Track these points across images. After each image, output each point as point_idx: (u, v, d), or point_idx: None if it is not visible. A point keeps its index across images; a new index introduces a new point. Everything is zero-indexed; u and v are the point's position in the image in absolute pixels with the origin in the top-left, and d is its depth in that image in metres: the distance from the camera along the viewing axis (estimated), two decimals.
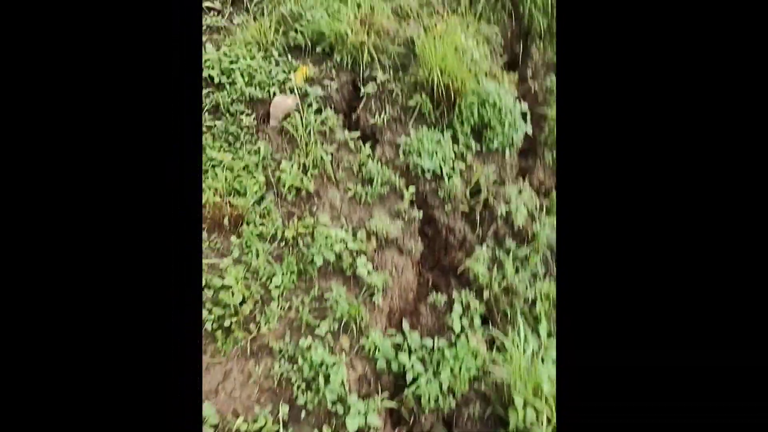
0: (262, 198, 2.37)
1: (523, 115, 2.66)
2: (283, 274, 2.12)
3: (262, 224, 2.28)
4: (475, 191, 2.46)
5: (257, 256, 2.17)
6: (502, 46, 3.17)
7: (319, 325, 1.99)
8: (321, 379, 1.83)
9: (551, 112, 2.77)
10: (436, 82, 2.58)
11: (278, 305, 2.05)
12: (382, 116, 2.64)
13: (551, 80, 2.93)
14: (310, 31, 2.91)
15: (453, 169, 2.48)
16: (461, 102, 2.60)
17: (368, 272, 2.09)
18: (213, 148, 2.48)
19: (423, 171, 2.44)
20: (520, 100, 2.70)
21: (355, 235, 2.24)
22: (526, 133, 2.64)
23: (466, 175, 2.51)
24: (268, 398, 1.83)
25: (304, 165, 2.46)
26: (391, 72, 2.83)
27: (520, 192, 2.42)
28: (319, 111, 2.63)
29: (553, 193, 2.46)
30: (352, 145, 2.56)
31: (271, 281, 2.11)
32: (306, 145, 2.51)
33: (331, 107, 2.70)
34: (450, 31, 3.02)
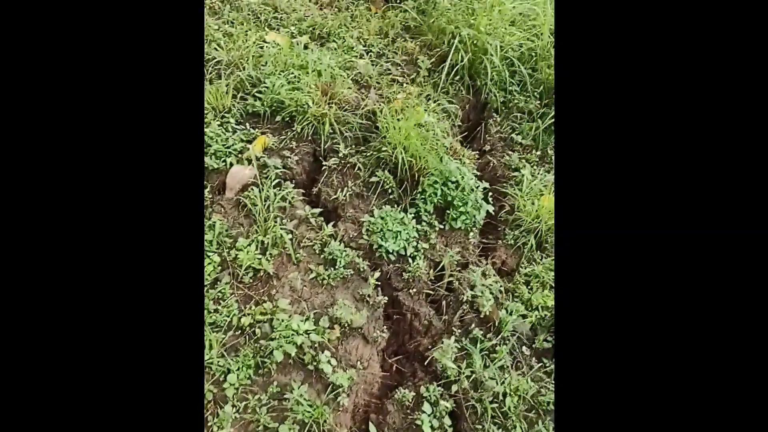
0: (216, 280, 2.20)
1: (485, 194, 2.66)
2: (238, 369, 1.95)
3: (216, 310, 2.11)
4: (440, 273, 2.41)
5: (210, 348, 1.99)
6: (460, 119, 3.21)
7: (278, 430, 1.82)
8: None
9: (511, 189, 2.79)
10: (399, 161, 2.54)
11: (233, 406, 1.87)
12: (344, 192, 2.56)
13: (509, 156, 2.97)
14: (270, 99, 2.81)
15: (417, 249, 2.42)
16: (424, 180, 2.57)
17: (332, 369, 1.95)
18: None
19: (387, 252, 2.36)
20: (480, 179, 2.70)
21: (317, 323, 2.10)
22: (487, 211, 2.63)
23: (430, 255, 2.45)
24: None
25: (263, 243, 2.32)
26: (353, 145, 2.77)
27: (484, 274, 2.39)
28: (278, 184, 2.52)
29: (516, 276, 2.44)
30: (313, 221, 2.46)
31: (225, 378, 1.92)
32: (264, 220, 2.38)
33: (290, 180, 2.59)
34: (411, 104, 3.02)
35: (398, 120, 2.76)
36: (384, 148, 2.61)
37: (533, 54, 3.35)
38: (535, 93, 3.28)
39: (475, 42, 3.24)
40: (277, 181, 2.52)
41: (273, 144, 2.71)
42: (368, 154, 2.70)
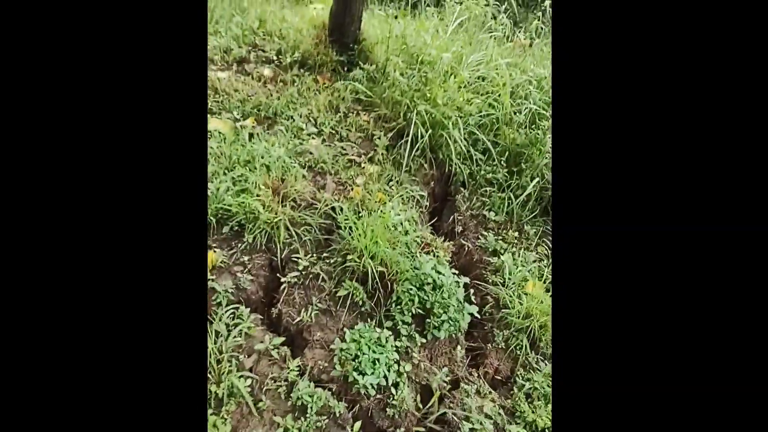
0: None
1: (466, 291, 2.30)
2: None
3: None
4: (429, 400, 2.01)
5: None
6: (427, 199, 2.86)
7: None
8: None
9: (492, 276, 2.44)
10: (369, 269, 2.16)
11: None
12: (309, 311, 2.14)
13: (484, 238, 2.64)
14: (215, 208, 2.39)
15: (399, 373, 2.02)
16: (398, 287, 2.19)
17: None
18: None
19: (365, 386, 1.95)
20: (458, 272, 2.34)
21: None
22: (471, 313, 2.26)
23: (414, 377, 2.05)
24: None
25: (216, 395, 1.87)
26: (314, 250, 2.37)
27: (478, 392, 2.01)
28: (231, 313, 2.08)
29: (515, 389, 2.07)
30: (276, 353, 2.02)
31: None
32: (217, 363, 1.93)
33: (245, 302, 2.16)
34: (373, 190, 2.66)
35: (360, 216, 2.39)
36: (350, 256, 2.22)
37: (495, 120, 3.06)
38: (501, 161, 2.98)
39: (432, 115, 2.92)
40: (230, 310, 2.08)
41: (222, 261, 2.27)
42: (332, 260, 2.30)
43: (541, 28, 3.78)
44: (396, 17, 3.40)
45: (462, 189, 2.94)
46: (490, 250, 2.59)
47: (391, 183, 2.87)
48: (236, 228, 2.39)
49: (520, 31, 3.70)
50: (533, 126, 3.04)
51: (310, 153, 2.96)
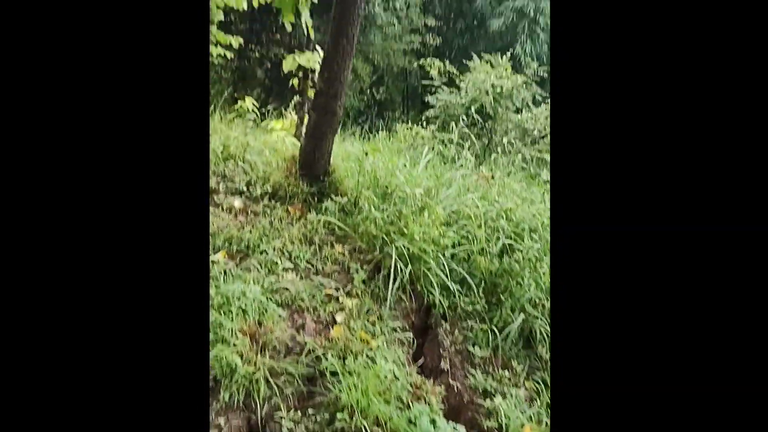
0: None
1: None
2: None
3: None
4: None
5: None
6: (411, 336, 2.73)
7: None
8: None
9: (486, 421, 2.26)
10: (362, 430, 1.94)
11: None
12: None
13: (473, 377, 2.49)
14: None
15: None
16: None
17: None
18: None
19: None
20: (455, 425, 2.15)
21: None
22: None
23: None
24: None
25: None
26: (297, 404, 2.13)
27: None
28: None
29: None
30: None
31: None
32: None
33: None
34: (355, 328, 2.51)
35: (344, 363, 2.21)
36: (339, 414, 2.01)
37: (470, 252, 3.07)
38: (479, 293, 2.94)
39: (410, 250, 2.89)
40: None
41: None
42: (319, 417, 2.07)
43: (498, 160, 4.01)
44: (366, 153, 3.50)
45: (443, 321, 2.84)
46: (480, 390, 2.44)
47: (371, 317, 2.73)
48: (210, 385, 2.13)
49: (481, 165, 3.91)
50: (506, 255, 3.07)
51: (286, 289, 2.81)
